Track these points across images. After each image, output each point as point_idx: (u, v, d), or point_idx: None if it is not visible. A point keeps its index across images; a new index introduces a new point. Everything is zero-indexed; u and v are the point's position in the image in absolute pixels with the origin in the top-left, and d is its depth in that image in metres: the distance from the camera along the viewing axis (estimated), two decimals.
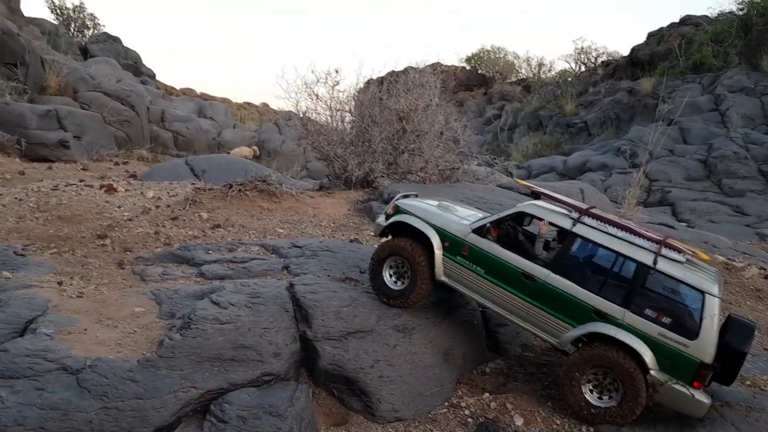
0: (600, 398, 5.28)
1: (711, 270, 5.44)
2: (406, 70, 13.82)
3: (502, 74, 43.57)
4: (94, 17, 39.62)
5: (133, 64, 34.86)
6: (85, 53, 33.26)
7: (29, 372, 4.46)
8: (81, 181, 11.91)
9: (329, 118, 13.01)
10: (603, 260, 5.44)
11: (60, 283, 6.36)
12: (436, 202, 6.50)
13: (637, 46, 32.77)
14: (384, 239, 6.51)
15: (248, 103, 43.65)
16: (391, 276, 6.10)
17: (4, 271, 6.51)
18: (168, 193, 11.41)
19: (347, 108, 13.29)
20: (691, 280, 5.01)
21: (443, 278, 5.88)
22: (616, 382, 5.17)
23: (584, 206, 5.77)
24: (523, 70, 43.57)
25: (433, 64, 20.57)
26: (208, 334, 5.10)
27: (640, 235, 5.30)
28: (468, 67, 44.72)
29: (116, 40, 36.23)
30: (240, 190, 10.40)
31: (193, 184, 12.63)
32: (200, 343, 5.00)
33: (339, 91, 13.01)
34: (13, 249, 7.24)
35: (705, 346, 4.84)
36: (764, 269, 11.03)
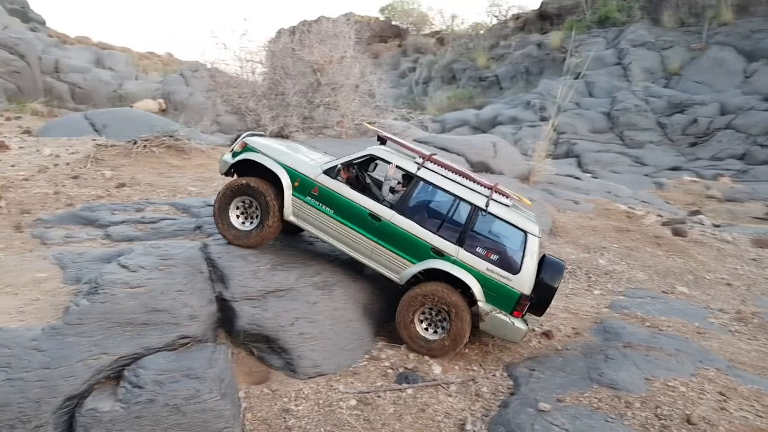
0: (435, 332, 5.74)
1: (531, 214, 6.10)
2: (318, 20, 13.46)
3: (416, 26, 43.38)
4: None
5: (20, 9, 31.50)
6: None
7: None
8: None
9: (239, 69, 12.52)
10: (442, 202, 5.84)
11: None
12: (285, 143, 6.47)
13: None
14: (230, 178, 6.29)
15: (151, 53, 40.87)
16: (238, 216, 6.04)
17: None
18: (67, 150, 10.67)
19: (258, 59, 12.83)
20: (516, 221, 5.56)
21: (291, 218, 5.89)
22: (443, 315, 5.63)
23: (427, 152, 6.07)
24: (436, 22, 43.60)
25: (346, 14, 20.13)
26: (118, 299, 4.89)
27: (474, 180, 5.78)
28: (382, 18, 44.08)
29: None
30: (146, 146, 9.91)
31: (94, 140, 11.84)
32: (110, 308, 4.80)
33: (248, 40, 12.52)
34: None
35: (525, 279, 5.43)
36: (661, 216, 11.92)
